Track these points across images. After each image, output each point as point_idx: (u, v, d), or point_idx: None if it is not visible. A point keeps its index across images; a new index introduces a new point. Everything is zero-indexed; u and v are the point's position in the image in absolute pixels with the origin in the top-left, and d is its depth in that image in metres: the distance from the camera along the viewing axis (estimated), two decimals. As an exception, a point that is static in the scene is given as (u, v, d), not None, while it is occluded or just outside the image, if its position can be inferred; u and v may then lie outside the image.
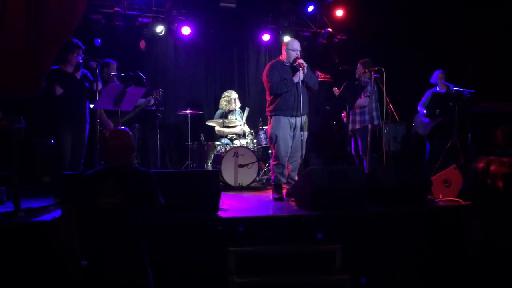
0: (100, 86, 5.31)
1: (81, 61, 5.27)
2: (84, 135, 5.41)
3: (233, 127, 7.47)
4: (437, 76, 6.79)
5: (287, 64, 5.55)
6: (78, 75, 5.31)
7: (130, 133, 3.22)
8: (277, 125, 5.46)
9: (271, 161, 5.70)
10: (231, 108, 7.56)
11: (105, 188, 2.93)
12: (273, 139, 5.51)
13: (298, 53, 5.54)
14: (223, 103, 7.60)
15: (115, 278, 2.89)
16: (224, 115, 7.44)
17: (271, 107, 5.52)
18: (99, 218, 2.93)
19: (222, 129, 7.24)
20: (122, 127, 3.31)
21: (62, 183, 4.34)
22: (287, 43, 5.63)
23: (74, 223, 2.96)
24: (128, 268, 2.93)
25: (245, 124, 7.63)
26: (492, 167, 3.78)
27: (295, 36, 8.23)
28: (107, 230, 2.93)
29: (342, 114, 6.37)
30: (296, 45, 5.58)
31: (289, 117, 5.45)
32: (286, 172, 5.55)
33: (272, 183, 5.65)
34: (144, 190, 3.04)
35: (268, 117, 5.61)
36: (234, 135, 7.44)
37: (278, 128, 5.45)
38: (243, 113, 7.67)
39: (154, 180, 3.12)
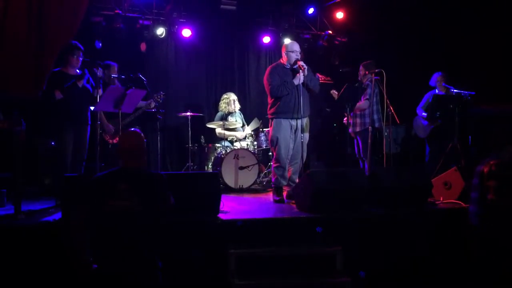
0: (100, 92, 5.31)
1: (86, 72, 5.31)
2: (85, 137, 5.41)
3: (234, 129, 7.47)
4: (436, 78, 6.79)
5: (288, 67, 5.55)
6: (80, 83, 5.30)
7: (142, 134, 3.20)
8: (278, 127, 5.47)
9: (271, 163, 5.70)
10: (231, 110, 7.57)
11: (117, 191, 2.92)
12: (274, 142, 5.51)
13: (298, 54, 5.54)
14: (222, 105, 7.62)
15: (125, 280, 2.88)
16: (224, 117, 7.45)
17: (272, 110, 5.53)
18: (111, 220, 2.92)
19: (223, 131, 7.24)
20: (133, 129, 3.31)
21: (63, 185, 4.34)
22: (286, 46, 5.63)
23: (84, 225, 2.95)
24: (138, 269, 2.92)
25: (246, 127, 7.63)
26: (481, 167, 3.90)
27: (295, 38, 8.21)
28: (119, 232, 2.91)
29: (344, 120, 6.36)
30: (296, 46, 5.58)
31: (290, 120, 5.45)
32: (287, 174, 5.54)
33: (272, 185, 5.65)
34: (156, 192, 3.04)
35: (269, 119, 5.61)
36: (234, 137, 7.45)
37: (279, 131, 5.45)
38: (243, 117, 7.70)
39: (165, 182, 3.11)
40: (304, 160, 5.66)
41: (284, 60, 5.60)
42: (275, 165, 5.55)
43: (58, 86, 5.16)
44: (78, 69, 5.40)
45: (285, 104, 5.43)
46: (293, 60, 5.50)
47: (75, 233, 2.93)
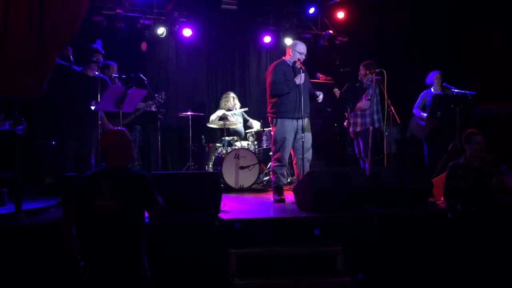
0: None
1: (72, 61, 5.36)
2: (89, 136, 5.39)
3: (234, 129, 7.50)
4: (433, 77, 6.76)
5: (290, 65, 5.54)
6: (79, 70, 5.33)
7: (125, 132, 3.17)
8: (281, 127, 5.47)
9: (271, 162, 5.69)
10: (230, 107, 7.60)
11: (101, 190, 2.93)
12: (276, 141, 5.51)
13: (303, 56, 5.54)
14: (222, 103, 7.72)
15: (113, 279, 2.90)
16: (224, 114, 7.49)
17: (274, 109, 5.52)
18: (96, 219, 2.94)
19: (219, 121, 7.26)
20: (117, 128, 3.29)
21: (64, 184, 4.35)
22: (295, 44, 5.61)
23: (73, 224, 2.96)
24: (125, 269, 2.93)
25: (253, 121, 7.67)
26: None
27: (296, 38, 8.23)
28: (104, 231, 2.93)
29: (345, 123, 6.36)
30: (303, 48, 5.57)
31: (293, 119, 5.45)
32: (286, 172, 5.55)
33: (272, 185, 5.65)
34: (139, 192, 3.03)
35: (270, 118, 5.61)
36: (235, 136, 7.45)
37: (283, 130, 5.46)
38: (247, 115, 7.74)
39: (150, 182, 3.09)
40: (310, 159, 5.65)
41: (288, 57, 5.58)
42: (275, 164, 5.55)
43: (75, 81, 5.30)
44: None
45: (288, 104, 5.43)
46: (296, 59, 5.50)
47: (63, 232, 2.95)
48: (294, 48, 5.54)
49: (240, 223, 4.26)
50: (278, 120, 5.49)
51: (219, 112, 7.47)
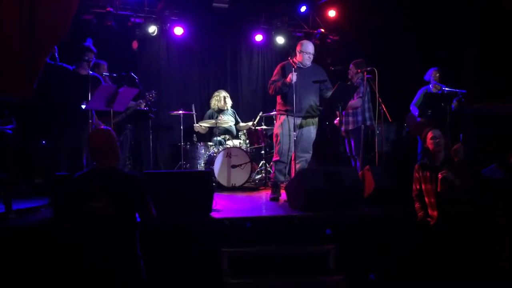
0: None
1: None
2: (80, 135, 5.35)
3: (225, 128, 7.49)
4: (431, 73, 6.78)
5: (299, 66, 5.55)
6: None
7: (111, 131, 3.13)
8: (281, 123, 5.57)
9: (273, 158, 5.72)
10: (221, 107, 7.59)
11: (91, 191, 2.90)
12: (276, 137, 5.60)
13: (311, 56, 5.59)
14: (213, 101, 7.71)
15: (109, 279, 2.89)
16: (215, 115, 7.47)
17: (277, 107, 5.68)
18: (89, 221, 2.92)
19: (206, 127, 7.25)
20: (104, 127, 3.27)
21: (55, 184, 4.32)
22: (301, 45, 5.65)
23: (67, 222, 2.94)
24: (121, 269, 2.93)
25: (241, 124, 7.67)
26: None
27: (288, 36, 8.27)
28: (98, 232, 2.92)
29: (335, 121, 6.36)
30: (308, 48, 5.60)
31: (288, 117, 5.50)
32: (286, 170, 5.61)
33: (272, 181, 5.69)
34: (130, 194, 2.99)
35: (277, 115, 5.75)
36: (226, 135, 7.45)
37: (281, 127, 5.54)
38: (236, 115, 7.72)
39: (143, 185, 3.05)
40: (308, 160, 5.71)
41: (299, 59, 5.60)
42: (274, 159, 5.62)
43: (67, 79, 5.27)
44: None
45: (283, 102, 5.55)
46: (305, 60, 5.56)
47: (59, 231, 2.93)
48: (301, 49, 5.59)
49: (240, 222, 4.28)
50: (279, 116, 5.63)
51: (207, 122, 7.44)
